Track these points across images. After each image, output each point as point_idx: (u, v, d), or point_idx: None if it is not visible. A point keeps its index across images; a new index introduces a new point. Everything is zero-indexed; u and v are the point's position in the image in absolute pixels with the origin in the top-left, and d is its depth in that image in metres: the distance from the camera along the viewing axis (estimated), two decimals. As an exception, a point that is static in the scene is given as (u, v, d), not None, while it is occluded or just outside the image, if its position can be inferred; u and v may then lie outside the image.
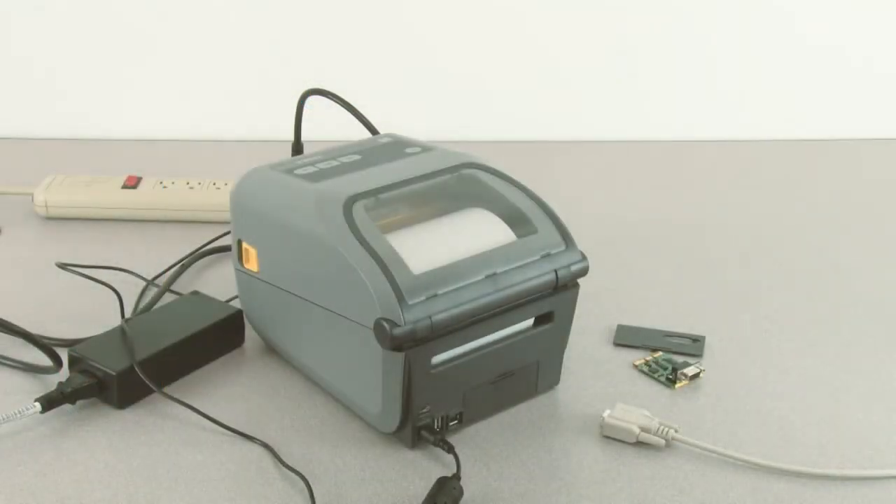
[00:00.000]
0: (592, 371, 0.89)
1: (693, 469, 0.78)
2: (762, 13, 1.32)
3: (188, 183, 1.14)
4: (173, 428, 0.82)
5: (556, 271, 0.80)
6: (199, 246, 1.07)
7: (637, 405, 0.84)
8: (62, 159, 1.27)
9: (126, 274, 1.02)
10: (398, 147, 0.90)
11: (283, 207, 0.82)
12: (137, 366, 0.83)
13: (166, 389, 0.86)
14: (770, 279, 1.03)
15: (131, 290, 1.00)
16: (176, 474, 0.77)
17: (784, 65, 1.34)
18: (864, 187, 1.23)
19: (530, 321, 0.82)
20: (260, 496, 0.75)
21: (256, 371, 0.89)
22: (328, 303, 0.80)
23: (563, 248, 0.81)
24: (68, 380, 0.83)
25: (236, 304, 0.94)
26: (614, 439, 0.81)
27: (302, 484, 0.76)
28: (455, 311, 0.75)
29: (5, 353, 0.90)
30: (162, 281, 1.01)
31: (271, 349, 0.91)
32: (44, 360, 0.89)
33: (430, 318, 0.74)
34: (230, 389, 0.86)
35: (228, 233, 1.08)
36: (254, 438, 0.80)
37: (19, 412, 0.80)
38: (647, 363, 0.89)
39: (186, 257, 1.04)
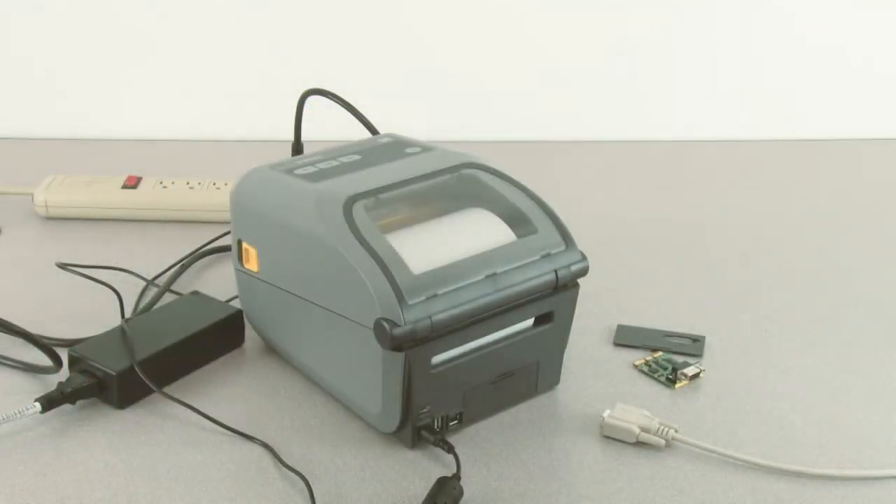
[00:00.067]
0: (592, 371, 0.89)
1: (693, 469, 0.78)
2: (762, 13, 1.32)
3: (188, 183, 1.14)
4: (173, 428, 0.82)
5: (556, 271, 0.80)
6: (199, 246, 1.07)
7: (637, 405, 0.84)
8: (62, 159, 1.27)
9: (126, 274, 1.02)
10: (398, 147, 0.90)
11: (283, 207, 0.82)
12: (137, 366, 0.83)
13: (166, 389, 0.86)
14: (770, 279, 1.03)
15: (131, 290, 1.00)
16: (176, 474, 0.77)
17: (784, 65, 1.34)
18: (864, 187, 1.23)
19: (530, 321, 0.82)
20: (260, 496, 0.75)
21: (256, 371, 0.89)
22: (328, 303, 0.80)
23: (563, 248, 0.81)
24: (68, 380, 0.83)
25: (236, 304, 0.94)
26: (614, 439, 0.81)
27: (302, 484, 0.76)
28: (455, 311, 0.75)
29: (5, 353, 0.90)
30: (162, 281, 1.01)
31: (271, 349, 0.91)
32: (44, 360, 0.89)
33: (430, 318, 0.74)
34: (230, 389, 0.86)
35: (228, 233, 1.08)
36: (254, 438, 0.80)
37: (19, 412, 0.80)
38: (647, 363, 0.89)
39: (186, 257, 1.04)
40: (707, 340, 0.93)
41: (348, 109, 1.00)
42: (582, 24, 1.32)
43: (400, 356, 0.75)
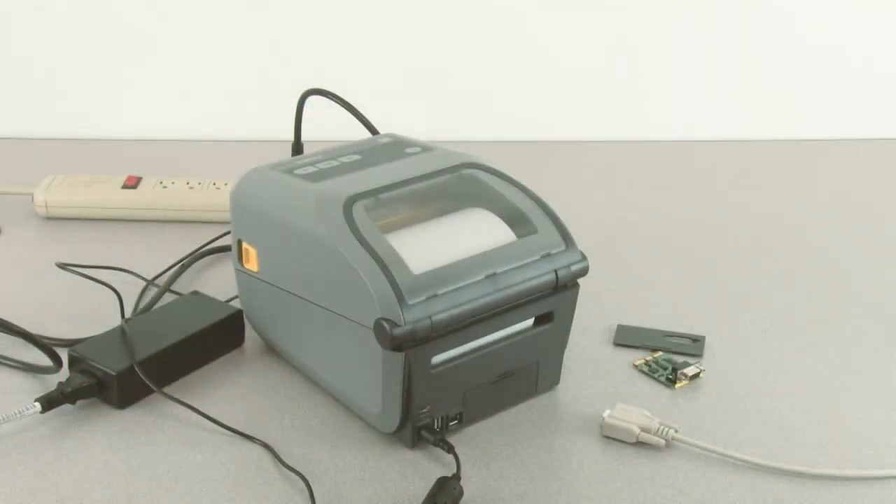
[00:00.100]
0: (592, 371, 0.89)
1: (693, 469, 0.78)
2: (762, 13, 1.32)
3: (188, 183, 1.14)
4: (173, 428, 0.82)
5: (556, 271, 0.80)
6: (199, 246, 1.07)
7: (637, 405, 0.84)
8: (62, 159, 1.27)
9: (126, 274, 1.02)
10: (398, 147, 0.90)
11: (283, 207, 0.82)
12: (137, 366, 0.83)
13: (166, 389, 0.86)
14: (770, 279, 1.03)
15: (131, 290, 1.00)
16: (176, 474, 0.77)
17: (784, 65, 1.34)
18: (864, 187, 1.23)
19: (530, 321, 0.82)
20: (260, 496, 0.75)
21: (256, 371, 0.89)
22: (328, 303, 0.80)
23: (563, 248, 0.81)
24: (68, 380, 0.83)
25: (236, 304, 0.94)
26: (614, 439, 0.81)
27: (302, 484, 0.76)
28: (455, 311, 0.75)
29: (5, 353, 0.90)
30: (162, 281, 1.01)
31: (271, 349, 0.91)
32: (44, 360, 0.89)
33: (430, 318, 0.74)
34: (230, 389, 0.86)
35: (228, 233, 1.08)
36: (254, 438, 0.80)
37: (19, 412, 0.80)
38: (647, 363, 0.89)
39: (186, 257, 1.04)
40: (707, 340, 0.93)
41: (348, 109, 1.00)
42: (582, 24, 1.32)
43: (400, 356, 0.75)
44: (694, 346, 0.92)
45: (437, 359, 0.77)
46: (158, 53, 1.32)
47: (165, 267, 1.04)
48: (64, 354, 0.88)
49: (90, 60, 1.32)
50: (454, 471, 0.77)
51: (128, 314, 0.96)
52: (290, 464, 0.78)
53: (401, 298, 0.74)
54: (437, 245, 0.79)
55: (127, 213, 1.12)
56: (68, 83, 1.33)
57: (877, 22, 1.33)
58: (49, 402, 0.81)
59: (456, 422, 0.81)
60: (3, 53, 1.32)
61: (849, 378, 0.89)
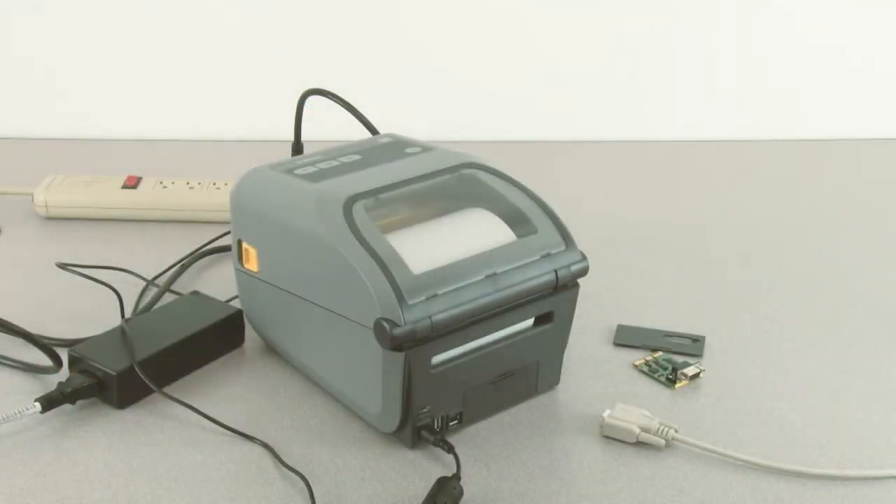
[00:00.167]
0: (592, 371, 0.89)
1: (693, 469, 0.78)
2: (762, 13, 1.32)
3: (188, 183, 1.14)
4: (173, 428, 0.82)
5: (556, 271, 0.80)
6: (199, 246, 1.07)
7: (637, 405, 0.84)
8: (62, 159, 1.27)
9: (126, 274, 1.02)
10: (398, 147, 0.90)
11: (283, 207, 0.82)
12: (137, 366, 0.83)
13: (166, 389, 0.86)
14: (770, 279, 1.03)
15: (131, 290, 1.00)
16: (176, 474, 0.77)
17: (784, 65, 1.34)
18: (864, 187, 1.23)
19: (530, 321, 0.82)
20: (260, 496, 0.75)
21: (256, 371, 0.89)
22: (328, 303, 0.80)
23: (563, 248, 0.81)
24: (68, 380, 0.83)
25: (236, 304, 0.94)
26: (614, 439, 0.81)
27: (302, 484, 0.76)
28: (455, 311, 0.75)
29: (5, 353, 0.90)
30: (162, 281, 1.01)
31: (271, 349, 0.91)
32: (44, 360, 0.89)
33: (430, 318, 0.74)
34: (230, 389, 0.86)
35: (228, 233, 1.08)
36: (254, 438, 0.80)
37: (19, 412, 0.80)
38: (647, 363, 0.89)
39: (186, 257, 1.04)
40: (707, 340, 0.93)
41: (348, 109, 1.00)
42: (582, 24, 1.32)
43: (400, 356, 0.75)
44: (694, 346, 0.92)
45: (437, 359, 0.77)
46: (158, 53, 1.32)
47: (165, 267, 1.04)
48: (64, 354, 0.88)
49: (90, 60, 1.32)
50: (454, 471, 0.77)
51: (128, 314, 0.96)
52: (290, 464, 0.78)
53: (401, 298, 0.74)
54: (437, 245, 0.79)
55: (127, 213, 1.12)
56: (68, 83, 1.33)
57: (877, 22, 1.33)
58: (49, 402, 0.81)
59: (456, 422, 0.81)
60: (3, 53, 1.32)
61: (849, 378, 0.89)
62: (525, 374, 0.83)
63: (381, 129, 1.27)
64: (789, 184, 1.23)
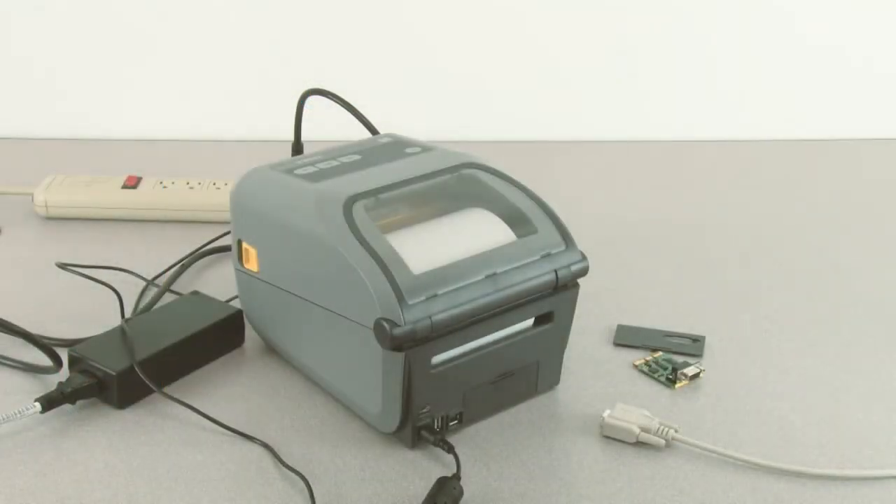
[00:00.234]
0: (592, 371, 0.89)
1: (693, 469, 0.78)
2: (762, 13, 1.32)
3: (188, 183, 1.14)
4: (173, 428, 0.82)
5: (556, 271, 0.80)
6: (199, 246, 1.07)
7: (637, 405, 0.84)
8: (62, 159, 1.27)
9: (126, 274, 1.02)
10: (398, 147, 0.90)
11: (283, 207, 0.82)
12: (137, 366, 0.83)
13: (166, 389, 0.86)
14: (770, 279, 1.03)
15: (131, 290, 1.00)
16: (176, 474, 0.77)
17: (784, 65, 1.34)
18: (864, 187, 1.23)
19: (530, 321, 0.82)
20: (260, 496, 0.75)
21: (256, 371, 0.89)
22: (328, 303, 0.80)
23: (563, 248, 0.81)
24: (68, 380, 0.83)
25: (236, 304, 0.94)
26: (614, 439, 0.81)
27: (302, 484, 0.76)
28: (455, 311, 0.75)
29: (5, 353, 0.90)
30: (162, 281, 1.01)
31: (271, 349, 0.91)
32: (44, 360, 0.89)
33: (430, 318, 0.74)
34: (230, 389, 0.86)
35: (228, 233, 1.08)
36: (254, 438, 0.80)
37: (19, 412, 0.80)
38: (647, 363, 0.89)
39: (186, 257, 1.04)
40: (707, 340, 0.93)
41: (348, 109, 1.00)
42: (582, 24, 1.32)
43: (400, 356, 0.75)
44: (694, 346, 0.92)
45: (437, 359, 0.77)
46: (158, 53, 1.32)
47: (165, 267, 1.04)
48: (64, 354, 0.88)
49: (90, 60, 1.32)
50: (454, 471, 0.77)
51: (128, 314, 0.96)
52: (290, 464, 0.78)
53: (401, 298, 0.74)
54: (437, 245, 0.79)
55: (127, 213, 1.12)
56: (68, 83, 1.33)
57: (877, 22, 1.33)
58: (49, 402, 0.81)
59: (456, 422, 0.81)
60: (3, 53, 1.32)
61: (849, 378, 0.89)
62: (525, 374, 0.83)
63: (381, 129, 1.27)
64: (789, 184, 1.23)
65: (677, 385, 0.87)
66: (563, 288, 0.81)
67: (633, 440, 0.80)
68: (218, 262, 1.05)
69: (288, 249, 0.82)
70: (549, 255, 0.80)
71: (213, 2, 1.30)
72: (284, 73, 1.32)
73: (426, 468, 0.78)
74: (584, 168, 1.27)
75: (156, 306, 0.96)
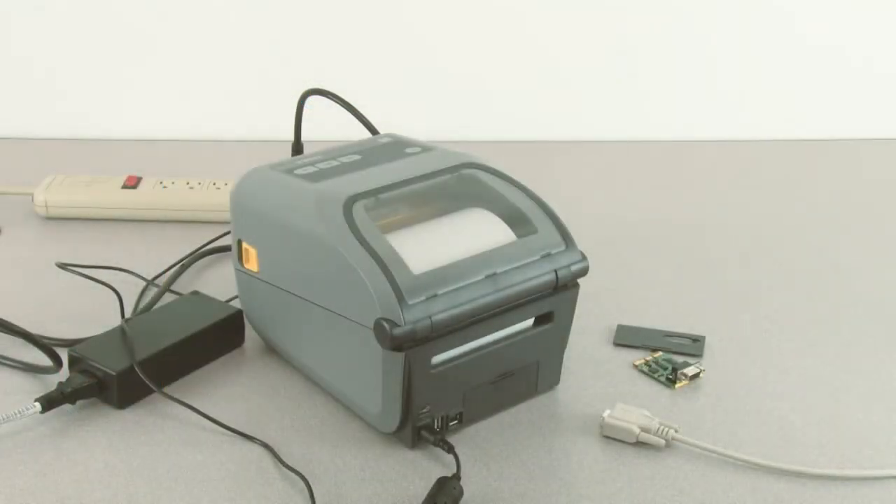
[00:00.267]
0: (592, 371, 0.89)
1: (693, 469, 0.78)
2: (762, 13, 1.32)
3: (188, 183, 1.14)
4: (173, 428, 0.82)
5: (556, 271, 0.80)
6: (199, 246, 1.07)
7: (637, 405, 0.84)
8: (62, 159, 1.27)
9: (126, 274, 1.02)
10: (398, 147, 0.90)
11: (283, 207, 0.82)
12: (137, 366, 0.83)
13: (166, 389, 0.86)
14: (770, 279, 1.03)
15: (131, 290, 1.00)
16: (176, 474, 0.77)
17: (784, 65, 1.34)
18: (864, 187, 1.23)
19: (530, 321, 0.82)
20: (260, 496, 0.75)
21: (256, 371, 0.89)
22: (328, 303, 0.80)
23: (563, 248, 0.81)
24: (68, 380, 0.83)
25: (236, 304, 0.94)
26: (614, 439, 0.81)
27: (302, 484, 0.76)
28: (455, 311, 0.75)
29: (5, 353, 0.90)
30: (162, 281, 1.01)
31: (271, 349, 0.91)
32: (44, 360, 0.89)
33: (430, 318, 0.74)
34: (230, 389, 0.86)
35: (228, 233, 1.08)
36: (254, 438, 0.80)
37: (19, 412, 0.80)
38: (647, 363, 0.89)
39: (186, 257, 1.04)
40: (707, 340, 0.93)
41: (348, 109, 1.00)
42: (582, 24, 1.32)
43: (400, 356, 0.75)
44: (694, 346, 0.92)
45: (437, 359, 0.77)
46: (158, 53, 1.32)
47: (165, 267, 1.04)
48: (64, 354, 0.88)
49: (90, 60, 1.32)
50: (454, 471, 0.77)
51: (128, 314, 0.96)
52: (290, 464, 0.78)
53: (401, 298, 0.74)
54: (437, 245, 0.79)
55: (127, 213, 1.12)
56: (68, 83, 1.33)
57: (877, 22, 1.33)
58: (49, 402, 0.81)
59: (456, 422, 0.81)
60: (3, 53, 1.32)
61: (849, 378, 0.89)
62: (525, 374, 0.83)
63: (381, 129, 1.27)
64: (789, 184, 1.23)
65: (677, 385, 0.87)
66: (563, 288, 0.81)
67: (633, 440, 0.80)
68: (218, 262, 1.05)
69: (288, 249, 0.82)
70: (549, 255, 0.80)
71: (213, 2, 1.30)
72: (284, 73, 1.32)
73: (426, 468, 0.78)
74: (584, 168, 1.27)
75: (156, 306, 0.96)
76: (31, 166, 1.25)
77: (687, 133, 1.36)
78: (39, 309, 0.97)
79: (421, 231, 0.81)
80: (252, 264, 0.87)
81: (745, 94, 1.35)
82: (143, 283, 1.01)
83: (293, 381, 0.87)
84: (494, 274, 0.78)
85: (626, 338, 0.93)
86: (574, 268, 0.81)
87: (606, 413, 0.81)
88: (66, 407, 0.83)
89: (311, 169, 0.86)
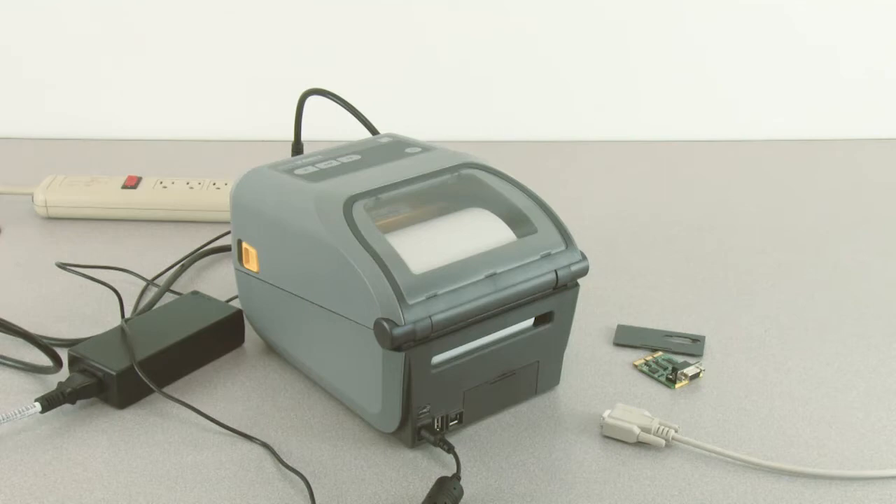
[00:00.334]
0: (592, 371, 0.89)
1: (693, 469, 0.78)
2: (762, 13, 1.32)
3: (188, 183, 1.14)
4: (173, 428, 0.82)
5: (556, 271, 0.80)
6: (199, 246, 1.07)
7: (637, 405, 0.85)
8: (62, 159, 1.27)
9: (126, 274, 1.02)
10: (398, 147, 0.90)
11: (283, 207, 0.82)
12: (137, 366, 0.83)
13: (166, 389, 0.86)
14: (770, 279, 1.03)
15: (131, 290, 1.00)
16: (176, 474, 0.77)
17: (784, 65, 1.34)
18: (864, 187, 1.23)
19: (530, 321, 0.82)
20: (260, 496, 0.75)
21: (256, 371, 0.89)
22: (328, 303, 0.80)
23: (563, 248, 0.81)
24: (68, 380, 0.83)
25: (236, 304, 0.94)
26: (614, 439, 0.81)
27: (302, 484, 0.76)
28: (455, 311, 0.75)
29: (5, 353, 0.90)
30: (162, 281, 1.01)
31: (271, 349, 0.91)
32: (44, 360, 0.89)
33: (430, 318, 0.74)
34: (230, 389, 0.86)
35: (228, 233, 1.08)
36: (254, 438, 0.80)
37: (19, 412, 0.80)
38: (647, 363, 0.89)
39: (186, 257, 1.04)
40: (707, 340, 0.93)
41: (348, 109, 1.00)
42: (582, 24, 1.32)
43: (400, 356, 0.75)
44: (694, 346, 0.92)
45: (437, 359, 0.77)
46: (159, 53, 1.32)
47: (165, 267, 1.04)
48: (64, 354, 0.88)
49: (90, 60, 1.32)
50: (454, 471, 0.77)
51: (128, 314, 0.96)
52: (290, 464, 0.78)
53: (401, 298, 0.74)
54: (437, 245, 0.79)
55: (127, 213, 1.12)
56: (68, 83, 1.33)
57: (877, 22, 1.33)
58: (49, 402, 0.81)
59: (456, 422, 0.81)
60: (2, 53, 1.32)
61: (849, 378, 0.89)
62: (525, 374, 0.83)
63: (381, 129, 1.28)
64: (789, 184, 1.23)
65: (677, 385, 0.87)
66: (563, 288, 0.81)
67: (633, 440, 0.80)
68: (218, 262, 1.05)
69: (288, 249, 0.82)
70: (549, 255, 0.80)
71: (213, 2, 1.30)
72: (284, 73, 1.32)
73: (426, 468, 0.78)
74: (584, 168, 1.27)
75: (156, 306, 0.96)
76: (31, 166, 1.25)
77: (687, 133, 1.36)
78: (39, 309, 0.97)
79: (421, 231, 0.81)
80: (252, 264, 0.87)
81: (745, 94, 1.35)
82: (143, 283, 1.01)
83: (293, 381, 0.87)
84: (494, 274, 0.78)
85: (626, 338, 0.93)
86: (574, 268, 0.81)
87: (606, 413, 0.81)
88: (66, 407, 0.83)
89: (311, 169, 0.86)
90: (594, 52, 1.33)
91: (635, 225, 1.13)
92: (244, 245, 0.88)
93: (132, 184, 1.13)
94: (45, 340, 0.90)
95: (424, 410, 0.78)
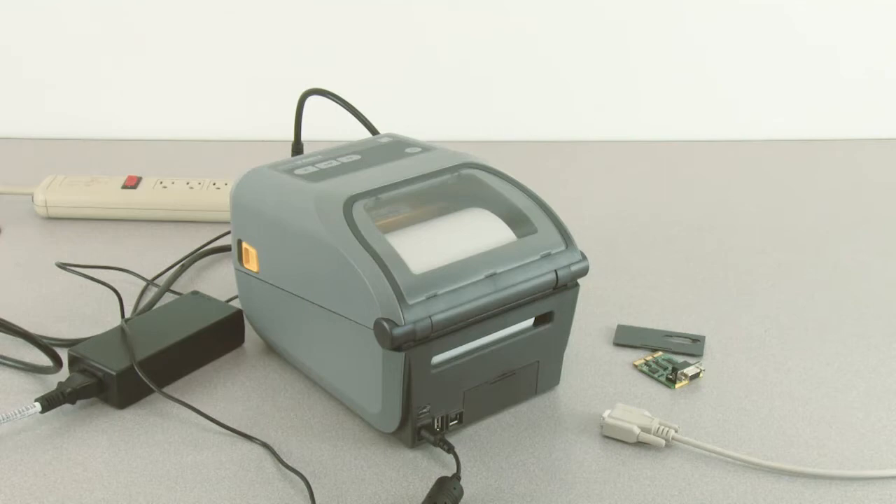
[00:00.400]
0: (592, 371, 0.89)
1: (693, 469, 0.78)
2: (762, 13, 1.32)
3: (188, 183, 1.14)
4: (173, 428, 0.82)
5: (556, 271, 0.80)
6: (199, 246, 1.07)
7: (637, 405, 0.85)
8: (62, 159, 1.27)
9: (126, 274, 1.02)
10: (398, 147, 0.90)
11: (283, 207, 0.82)
12: (137, 366, 0.83)
13: (166, 389, 0.86)
14: (770, 279, 1.03)
15: (131, 290, 1.00)
16: (176, 474, 0.77)
17: (783, 65, 1.34)
18: (864, 187, 1.23)
19: (530, 321, 0.82)
20: (260, 496, 0.75)
21: (256, 371, 0.89)
22: (328, 303, 0.80)
23: (563, 248, 0.81)
24: (68, 380, 0.83)
25: (236, 304, 0.94)
26: (614, 439, 0.81)
27: (302, 484, 0.76)
28: (455, 311, 0.75)
29: (5, 353, 0.90)
30: (162, 281, 1.01)
31: (271, 349, 0.91)
32: (44, 360, 0.89)
33: (430, 318, 0.74)
34: (230, 389, 0.86)
35: (228, 233, 1.08)
36: (254, 438, 0.80)
37: (19, 412, 0.80)
38: (647, 363, 0.89)
39: (186, 257, 1.04)
40: (707, 340, 0.93)
41: (348, 109, 1.00)
42: (582, 24, 1.32)
43: (400, 356, 0.75)
44: (694, 346, 0.92)
45: (437, 359, 0.77)
46: (159, 53, 1.32)
47: (165, 267, 1.04)
48: (64, 354, 0.89)
49: (90, 60, 1.32)
50: (454, 471, 0.77)
51: (128, 314, 0.96)
52: (290, 464, 0.78)
53: (401, 298, 0.74)
54: (437, 245, 0.79)
55: (127, 213, 1.12)
56: (68, 83, 1.33)
57: (877, 22, 1.33)
58: (49, 402, 0.81)
59: (456, 422, 0.81)
60: (2, 53, 1.32)
61: (849, 378, 0.89)
62: (525, 374, 0.83)
63: (381, 129, 1.28)
64: (789, 184, 1.23)
65: (677, 385, 0.87)
66: (563, 288, 0.81)
67: (633, 440, 0.80)
68: (218, 262, 1.05)
69: (288, 249, 0.82)
70: (549, 255, 0.80)
71: (213, 2, 1.30)
72: (284, 73, 1.32)
73: (426, 468, 0.78)
74: (584, 168, 1.27)
75: (156, 306, 0.96)
76: (31, 166, 1.25)
77: (687, 133, 1.36)
78: (39, 309, 0.97)
79: (421, 231, 0.81)
80: (252, 264, 0.87)
81: (745, 94, 1.35)
82: (143, 283, 1.01)
83: (293, 381, 0.88)
84: (494, 274, 0.78)
85: (626, 338, 0.93)
86: (574, 268, 0.81)
87: (606, 413, 0.81)
88: (66, 407, 0.83)
89: (311, 169, 0.86)
90: (594, 52, 1.33)
91: (635, 225, 1.13)
92: (244, 245, 0.88)
93: (132, 184, 1.13)
94: (45, 340, 0.90)
95: (424, 410, 0.78)
